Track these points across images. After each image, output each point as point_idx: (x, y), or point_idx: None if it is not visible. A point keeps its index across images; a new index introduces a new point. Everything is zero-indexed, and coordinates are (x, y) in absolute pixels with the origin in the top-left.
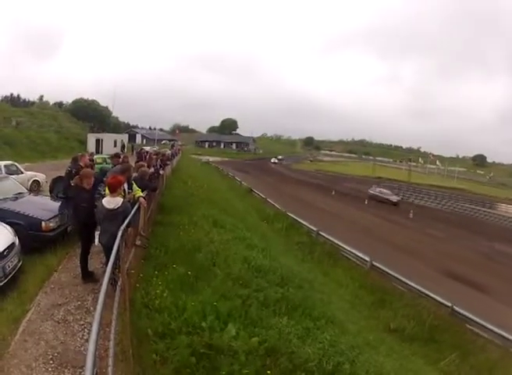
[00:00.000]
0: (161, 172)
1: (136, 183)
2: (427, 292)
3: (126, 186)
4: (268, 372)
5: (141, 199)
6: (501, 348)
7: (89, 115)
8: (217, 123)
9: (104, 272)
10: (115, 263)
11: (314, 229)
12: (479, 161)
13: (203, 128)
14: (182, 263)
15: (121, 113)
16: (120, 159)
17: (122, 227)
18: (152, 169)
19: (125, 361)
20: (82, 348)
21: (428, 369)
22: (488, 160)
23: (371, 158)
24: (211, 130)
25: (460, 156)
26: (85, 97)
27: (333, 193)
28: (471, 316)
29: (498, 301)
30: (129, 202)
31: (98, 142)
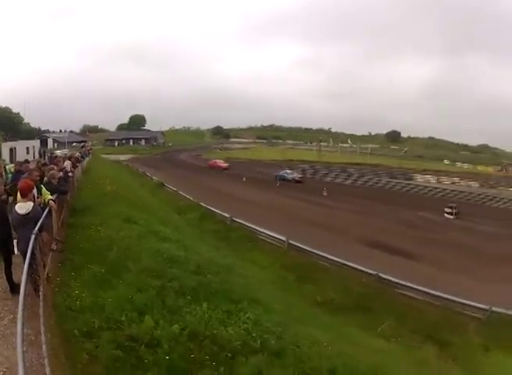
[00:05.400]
0: (70, 174)
1: (45, 187)
2: (349, 263)
3: (35, 190)
4: (192, 355)
5: (51, 202)
6: (440, 308)
7: (1, 123)
8: (126, 120)
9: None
10: (30, 268)
11: (227, 216)
12: (393, 137)
13: (112, 126)
14: (96, 262)
15: (33, 118)
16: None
17: (34, 231)
18: (61, 173)
19: (60, 366)
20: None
21: (365, 336)
22: (403, 135)
23: (280, 142)
24: (120, 127)
25: (373, 134)
26: None
27: (244, 179)
28: (398, 280)
29: (426, 265)
30: (40, 206)
31: (12, 151)
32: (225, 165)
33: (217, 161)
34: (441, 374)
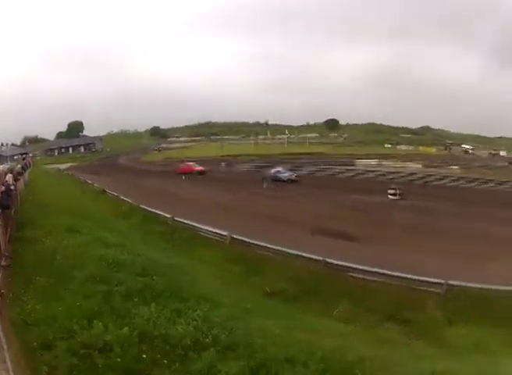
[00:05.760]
0: (12, 188)
1: None
2: (295, 252)
3: None
4: (144, 356)
5: None
6: (394, 286)
7: None
8: (65, 128)
9: None
10: None
11: (169, 216)
12: (332, 125)
13: (52, 135)
14: (43, 274)
15: None
16: None
17: None
18: (3, 188)
19: None
20: None
21: (321, 322)
22: (342, 123)
23: (218, 137)
24: (59, 135)
25: (312, 123)
26: None
27: (184, 177)
28: (346, 263)
29: (368, 246)
30: None
31: None
32: (200, 168)
33: (190, 164)
34: (403, 350)
